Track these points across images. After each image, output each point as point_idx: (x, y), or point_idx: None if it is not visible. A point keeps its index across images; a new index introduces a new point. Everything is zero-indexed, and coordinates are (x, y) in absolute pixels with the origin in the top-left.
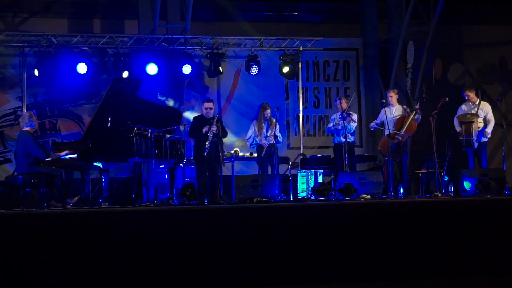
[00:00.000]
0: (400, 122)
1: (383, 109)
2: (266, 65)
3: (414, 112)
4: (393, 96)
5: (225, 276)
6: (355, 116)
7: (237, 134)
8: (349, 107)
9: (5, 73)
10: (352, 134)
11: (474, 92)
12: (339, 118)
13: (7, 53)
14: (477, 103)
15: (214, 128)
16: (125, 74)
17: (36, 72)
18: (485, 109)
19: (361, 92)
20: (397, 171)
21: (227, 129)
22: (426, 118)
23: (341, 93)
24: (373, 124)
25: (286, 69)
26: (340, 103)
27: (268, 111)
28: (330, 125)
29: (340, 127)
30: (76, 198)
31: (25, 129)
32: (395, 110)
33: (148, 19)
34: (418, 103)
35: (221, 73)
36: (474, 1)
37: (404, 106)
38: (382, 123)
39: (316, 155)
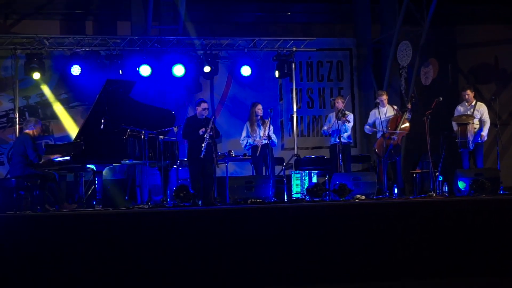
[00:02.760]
0: (393, 122)
1: (374, 110)
2: (260, 66)
3: (405, 111)
4: (384, 98)
5: (219, 277)
6: (350, 117)
7: (231, 135)
8: (345, 106)
9: None
10: (348, 137)
11: (474, 92)
12: (335, 118)
13: None
14: (473, 103)
15: (209, 130)
16: (120, 72)
17: (37, 75)
18: (481, 110)
19: (355, 92)
20: (391, 172)
21: (220, 131)
22: (420, 118)
23: (335, 93)
24: (367, 127)
25: (277, 73)
26: (336, 102)
27: (259, 106)
28: (325, 127)
29: (334, 128)
30: (74, 206)
31: (26, 131)
32: (386, 111)
33: (140, 20)
34: (409, 103)
35: (215, 74)
36: (467, 2)
37: (394, 107)
38: (374, 124)
39: (310, 156)
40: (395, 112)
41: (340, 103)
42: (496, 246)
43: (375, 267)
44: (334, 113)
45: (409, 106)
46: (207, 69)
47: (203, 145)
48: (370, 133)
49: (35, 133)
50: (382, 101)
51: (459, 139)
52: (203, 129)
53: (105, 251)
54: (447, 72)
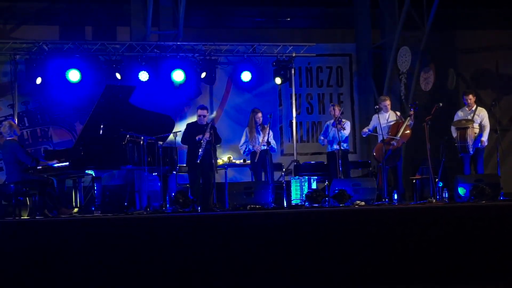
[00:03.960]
0: (395, 128)
1: (376, 115)
2: (259, 71)
3: (408, 118)
4: (388, 103)
5: (218, 283)
6: (346, 124)
7: (230, 140)
8: (342, 113)
9: None
10: (345, 142)
11: (475, 97)
12: (332, 125)
13: None
14: (473, 108)
15: (207, 135)
16: (118, 76)
17: (39, 80)
18: (481, 115)
19: (355, 98)
20: (391, 177)
21: (220, 136)
22: (420, 124)
23: (335, 99)
24: (365, 130)
25: (278, 81)
26: (333, 109)
27: (259, 114)
28: (322, 137)
29: (331, 137)
30: (73, 212)
31: (9, 138)
32: (388, 116)
33: (140, 25)
34: (412, 110)
35: (214, 79)
36: (467, 6)
37: (397, 113)
38: (375, 129)
39: (310, 162)
40: (397, 118)
41: (337, 111)
42: (496, 252)
43: (375, 273)
44: (331, 121)
45: (411, 112)
46: (203, 74)
47: (200, 150)
48: (365, 135)
49: (17, 136)
50: (385, 106)
51: (458, 143)
52: (200, 136)
53: (104, 257)
54: (448, 78)
